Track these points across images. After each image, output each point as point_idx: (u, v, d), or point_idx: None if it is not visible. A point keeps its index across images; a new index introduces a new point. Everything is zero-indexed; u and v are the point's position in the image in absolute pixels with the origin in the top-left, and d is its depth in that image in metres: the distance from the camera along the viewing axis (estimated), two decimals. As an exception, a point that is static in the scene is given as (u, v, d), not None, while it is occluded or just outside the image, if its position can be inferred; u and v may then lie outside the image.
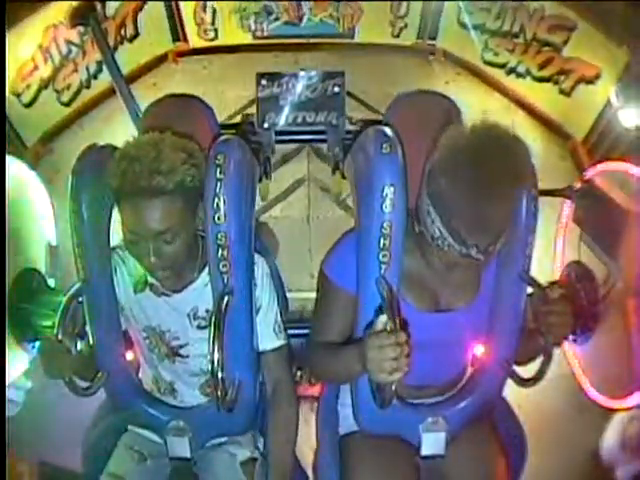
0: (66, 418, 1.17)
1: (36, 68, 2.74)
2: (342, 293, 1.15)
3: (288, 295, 1.36)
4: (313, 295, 1.25)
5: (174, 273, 1.14)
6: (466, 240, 0.98)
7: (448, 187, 0.97)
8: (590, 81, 2.66)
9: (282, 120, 1.92)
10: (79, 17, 2.07)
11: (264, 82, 1.92)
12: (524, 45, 2.95)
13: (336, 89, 1.92)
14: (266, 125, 1.92)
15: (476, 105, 3.11)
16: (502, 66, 3.13)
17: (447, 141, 1.00)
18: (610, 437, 1.68)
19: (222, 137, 1.14)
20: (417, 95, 1.42)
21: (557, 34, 2.78)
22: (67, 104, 3.01)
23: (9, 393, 1.47)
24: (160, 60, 3.41)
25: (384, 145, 1.06)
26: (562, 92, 2.86)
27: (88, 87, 3.06)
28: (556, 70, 2.84)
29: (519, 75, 3.06)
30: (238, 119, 2.95)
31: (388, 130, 1.10)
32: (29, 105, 2.76)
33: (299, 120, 1.93)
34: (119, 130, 2.27)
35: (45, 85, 2.83)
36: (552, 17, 2.76)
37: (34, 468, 1.59)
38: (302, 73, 1.94)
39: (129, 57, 3.19)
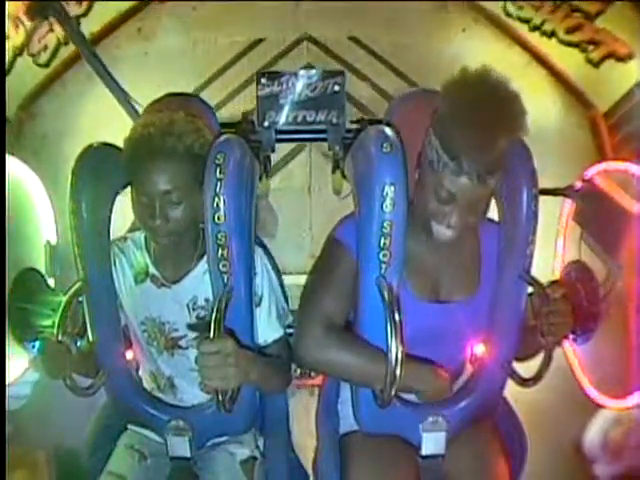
0: (77, 402, 1.17)
1: (7, 38, 2.63)
2: (349, 254, 1.14)
3: (287, 278, 1.35)
4: None
5: (175, 245, 1.17)
6: (459, 157, 1.01)
7: (450, 113, 1.03)
8: (621, 59, 2.56)
9: (282, 119, 1.92)
10: (38, 11, 1.99)
11: (264, 81, 1.92)
12: (553, 6, 2.79)
13: (336, 88, 1.92)
14: (266, 124, 1.91)
15: (495, 57, 2.85)
16: (526, 21, 2.93)
17: (453, 77, 1.06)
18: (592, 434, 1.68)
19: (222, 136, 1.14)
20: (418, 94, 1.42)
21: (591, 3, 2.64)
22: (46, 65, 2.88)
23: (14, 390, 1.47)
24: (145, 2, 3.07)
25: (385, 144, 1.06)
26: (589, 61, 2.73)
27: (67, 43, 2.86)
28: (585, 38, 2.71)
29: (544, 34, 2.88)
30: (232, 70, 2.84)
31: (389, 129, 1.10)
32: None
33: (299, 119, 1.93)
34: (103, 87, 2.11)
35: (19, 52, 2.74)
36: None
37: (49, 454, 1.59)
38: (302, 72, 1.94)
39: (111, 5, 2.97)
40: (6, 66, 2.65)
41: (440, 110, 1.05)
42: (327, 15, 3.05)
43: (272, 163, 2.41)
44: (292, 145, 2.67)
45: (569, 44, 2.81)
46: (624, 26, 2.59)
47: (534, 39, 2.95)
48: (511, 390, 1.28)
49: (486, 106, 1.01)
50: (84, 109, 2.82)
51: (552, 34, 2.86)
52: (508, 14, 2.99)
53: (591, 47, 2.71)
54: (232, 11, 3.05)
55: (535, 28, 2.92)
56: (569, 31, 2.79)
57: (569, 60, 2.85)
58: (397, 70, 2.89)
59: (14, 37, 2.69)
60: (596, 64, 2.71)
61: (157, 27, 3.06)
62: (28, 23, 2.72)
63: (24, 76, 2.81)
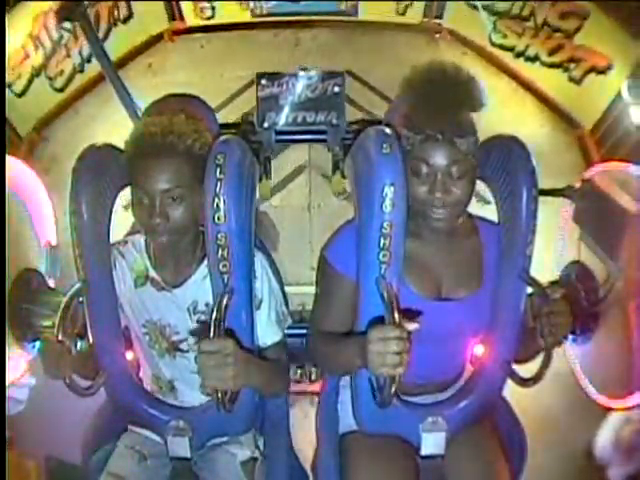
0: (71, 412, 1.18)
1: (27, 57, 2.70)
2: (345, 280, 1.16)
3: (287, 289, 1.37)
4: (313, 290, 1.25)
5: (175, 248, 1.17)
6: (422, 127, 1.06)
7: (407, 98, 1.11)
8: (601, 71, 2.61)
9: (282, 120, 1.93)
10: (66, 14, 2.04)
11: (264, 82, 1.92)
12: (534, 29, 2.87)
13: (336, 89, 1.93)
14: (266, 125, 1.92)
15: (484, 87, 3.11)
16: (510, 49, 3.04)
17: (405, 75, 1.12)
18: (604, 436, 1.68)
19: (222, 137, 1.15)
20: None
21: (569, 21, 2.70)
22: (61, 90, 2.96)
23: (12, 392, 1.47)
24: (156, 39, 3.32)
25: (384, 145, 1.06)
26: (572, 80, 2.80)
27: (82, 71, 3.00)
28: (566, 57, 2.78)
29: (528, 59, 2.99)
30: (237, 103, 2.95)
31: (388, 130, 1.10)
32: (21, 94, 2.73)
33: (299, 120, 1.93)
34: (114, 114, 2.21)
35: (37, 73, 2.80)
36: (564, 3, 2.68)
37: (41, 464, 1.59)
38: (302, 73, 1.95)
39: (123, 39, 3.11)
40: (23, 85, 2.72)
41: (400, 104, 1.13)
42: (325, 51, 3.30)
43: (273, 184, 2.50)
44: (292, 166, 2.75)
45: (552, 65, 2.89)
46: (602, 38, 2.64)
47: (520, 66, 3.06)
48: (519, 396, 1.28)
49: (435, 81, 1.07)
50: (94, 135, 2.90)
51: (535, 58, 2.95)
52: (493, 44, 3.11)
53: (572, 65, 2.78)
54: (237, 48, 3.32)
55: (520, 54, 3.02)
56: (551, 53, 2.87)
57: (553, 81, 2.93)
58: (392, 101, 2.93)
59: (33, 57, 2.75)
60: (578, 81, 2.78)
61: (166, 62, 3.25)
62: (48, 45, 2.79)
63: (39, 98, 2.87)
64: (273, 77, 1.94)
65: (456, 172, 1.08)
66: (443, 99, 1.06)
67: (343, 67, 3.10)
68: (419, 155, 1.08)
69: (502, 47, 3.09)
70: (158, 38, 3.35)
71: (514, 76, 3.10)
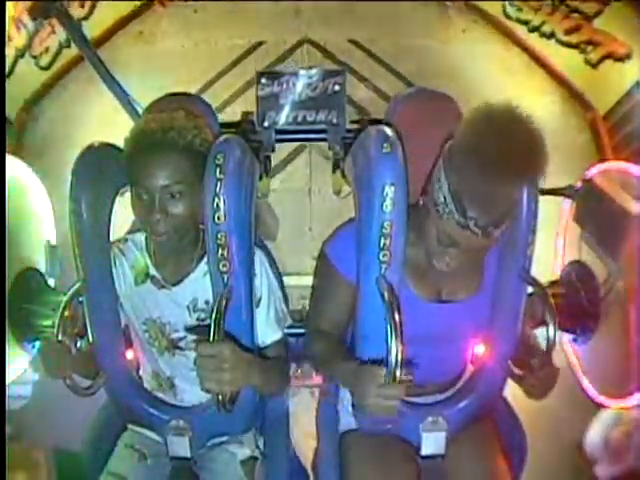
0: (77, 403, 1.17)
1: (9, 40, 2.64)
2: (343, 280, 1.16)
3: (287, 280, 1.36)
4: None
5: (175, 246, 1.16)
6: (466, 210, 0.97)
7: (466, 157, 0.97)
8: (619, 59, 2.57)
9: (282, 119, 1.92)
10: (39, 13, 1.97)
11: (264, 81, 1.92)
12: (551, 7, 2.82)
13: (337, 87, 1.92)
14: (266, 124, 1.91)
15: (494, 58, 2.97)
16: (525, 22, 2.96)
17: (473, 114, 1.01)
18: (594, 434, 1.68)
19: (222, 136, 1.14)
20: (419, 94, 1.42)
21: (589, 3, 2.65)
22: (47, 68, 2.90)
23: (15, 390, 1.48)
24: (146, 6, 3.15)
25: (385, 145, 1.06)
26: (588, 62, 2.74)
27: (68, 46, 2.90)
28: (584, 39, 2.72)
29: (543, 35, 2.91)
30: (233, 73, 2.86)
31: (389, 129, 1.10)
32: (7, 77, 2.65)
33: (299, 119, 1.92)
34: (104, 89, 2.12)
35: (21, 54, 2.74)
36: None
37: (49, 455, 1.60)
38: (302, 72, 1.94)
39: (112, 8, 3.00)
40: (8, 68, 2.66)
41: (456, 145, 1.01)
42: (327, 18, 3.13)
43: (272, 164, 2.44)
44: (292, 146, 2.66)
45: (568, 45, 2.83)
46: (622, 26, 2.59)
47: (533, 40, 2.98)
48: (512, 390, 1.28)
49: (505, 158, 0.94)
50: (85, 111, 2.84)
51: (551, 35, 2.89)
52: (507, 16, 3.03)
53: (589, 48, 2.73)
54: (233, 14, 3.12)
55: (534, 29, 2.95)
56: (568, 32, 2.81)
57: (568, 61, 2.87)
58: (397, 72, 2.91)
59: (16, 39, 2.70)
60: (595, 65, 2.73)
61: (158, 30, 3.11)
62: (30, 25, 2.73)
63: (26, 78, 2.82)
64: (273, 76, 1.93)
65: (479, 250, 1.05)
66: (505, 184, 0.95)
67: (346, 37, 3.00)
68: (450, 233, 1.01)
69: (516, 20, 2.99)
70: (149, 4, 3.17)
71: (527, 50, 2.99)
